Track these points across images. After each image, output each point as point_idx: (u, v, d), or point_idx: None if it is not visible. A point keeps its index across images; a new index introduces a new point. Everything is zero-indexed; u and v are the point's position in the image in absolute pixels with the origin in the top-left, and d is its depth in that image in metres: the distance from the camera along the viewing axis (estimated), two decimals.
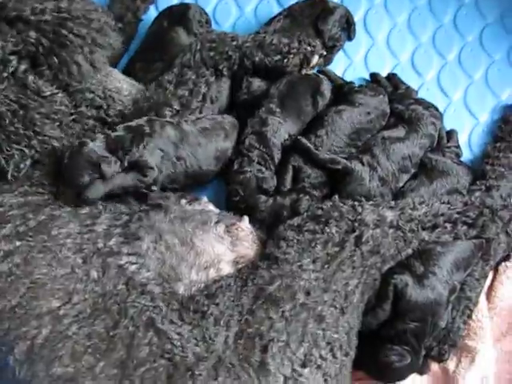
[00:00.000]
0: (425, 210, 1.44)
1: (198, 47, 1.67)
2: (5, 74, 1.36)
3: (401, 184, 1.59)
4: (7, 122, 1.36)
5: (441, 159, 1.61)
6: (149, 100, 1.64)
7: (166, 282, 1.32)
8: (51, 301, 1.27)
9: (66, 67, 1.39)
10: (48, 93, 1.40)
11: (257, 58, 1.67)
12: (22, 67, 1.37)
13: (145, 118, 1.53)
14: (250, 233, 1.44)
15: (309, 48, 1.68)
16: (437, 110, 1.70)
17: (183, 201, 1.52)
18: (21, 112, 1.37)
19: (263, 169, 1.57)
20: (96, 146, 1.43)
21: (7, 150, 1.38)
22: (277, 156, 1.59)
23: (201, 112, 1.65)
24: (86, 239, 1.36)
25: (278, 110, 1.63)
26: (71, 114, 1.49)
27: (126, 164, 1.44)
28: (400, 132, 1.63)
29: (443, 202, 1.47)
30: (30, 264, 1.30)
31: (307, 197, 1.53)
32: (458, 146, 1.70)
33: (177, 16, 1.86)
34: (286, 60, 1.67)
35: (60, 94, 1.43)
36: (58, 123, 1.44)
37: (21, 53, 1.37)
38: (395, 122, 1.66)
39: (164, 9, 1.93)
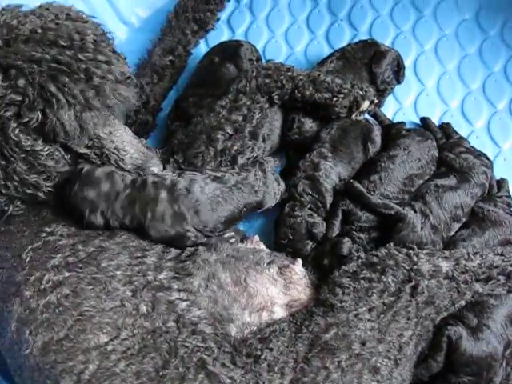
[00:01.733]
0: (479, 262, 1.41)
1: (254, 74, 1.67)
2: None
3: (452, 233, 1.57)
4: None
5: (493, 209, 1.58)
6: (200, 123, 1.64)
7: (218, 322, 1.29)
8: (99, 335, 1.24)
9: (49, 124, 1.28)
10: (28, 147, 1.31)
11: (307, 92, 1.66)
12: (7, 114, 1.27)
13: (175, 175, 1.47)
14: (303, 276, 1.42)
15: (360, 92, 1.67)
16: (487, 158, 1.68)
17: (233, 239, 1.50)
18: (2, 162, 1.33)
19: (314, 214, 1.57)
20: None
21: None
22: (329, 202, 1.59)
23: (253, 150, 1.65)
24: (136, 271, 1.33)
25: (329, 154, 1.63)
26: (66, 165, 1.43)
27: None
28: (452, 181, 1.61)
29: (497, 254, 1.44)
30: (78, 296, 1.28)
31: (347, 239, 1.51)
32: (509, 196, 1.68)
33: (228, 53, 1.88)
34: (335, 99, 1.67)
35: (45, 149, 1.34)
36: (44, 176, 1.39)
37: (6, 99, 1.26)
38: (447, 171, 1.64)
39: (216, 44, 1.95)
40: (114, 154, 1.44)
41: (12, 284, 1.32)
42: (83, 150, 1.41)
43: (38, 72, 1.26)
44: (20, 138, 1.30)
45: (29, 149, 1.32)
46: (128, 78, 1.41)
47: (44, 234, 1.38)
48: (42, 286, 1.29)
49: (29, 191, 1.39)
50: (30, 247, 1.36)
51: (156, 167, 1.51)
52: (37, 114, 1.27)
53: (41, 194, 1.41)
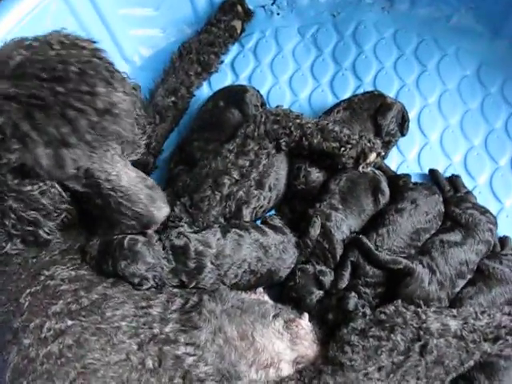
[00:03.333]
0: (487, 321, 1.40)
1: (263, 119, 1.65)
2: None
3: (457, 289, 1.55)
4: None
5: (498, 267, 1.58)
6: (207, 167, 1.62)
7: (226, 379, 1.24)
8: None
9: (27, 164, 1.19)
10: (15, 187, 1.25)
11: (315, 140, 1.65)
12: None
13: (219, 236, 1.50)
14: (310, 331, 1.39)
15: (368, 144, 1.66)
16: (493, 216, 1.68)
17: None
18: None
19: (321, 263, 1.56)
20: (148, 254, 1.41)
21: None
22: (339, 254, 1.57)
23: (258, 200, 1.64)
24: (141, 323, 1.29)
25: (340, 206, 1.62)
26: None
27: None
28: (457, 236, 1.60)
29: (504, 313, 1.43)
30: (82, 347, 1.22)
31: (353, 294, 1.49)
32: None
33: (234, 97, 1.86)
34: (343, 149, 1.65)
35: (35, 187, 1.27)
36: (44, 213, 1.32)
37: None
38: (452, 226, 1.64)
39: (221, 88, 1.94)
40: (112, 194, 1.32)
41: (8, 330, 1.26)
42: (82, 189, 1.32)
43: (15, 109, 1.16)
44: (6, 178, 1.23)
45: (16, 188, 1.25)
46: (116, 106, 1.25)
47: (43, 278, 1.32)
48: (43, 335, 1.23)
49: (29, 228, 1.33)
50: (28, 291, 1.30)
51: (160, 211, 1.38)
52: (15, 154, 1.17)
53: (41, 232, 1.34)
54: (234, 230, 1.51)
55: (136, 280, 1.37)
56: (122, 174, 1.33)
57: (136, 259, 1.38)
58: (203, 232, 1.49)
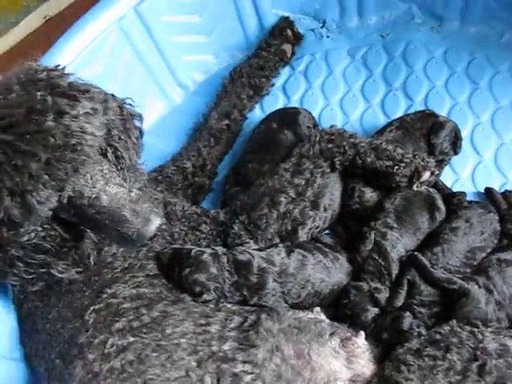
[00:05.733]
0: None
1: (318, 139, 1.69)
2: None
3: None
4: None
5: None
6: (264, 185, 1.66)
7: None
8: None
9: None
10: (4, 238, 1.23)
11: (369, 159, 1.67)
12: None
13: (283, 255, 1.54)
14: (366, 350, 1.39)
15: (422, 163, 1.66)
16: None
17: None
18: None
19: (376, 280, 1.55)
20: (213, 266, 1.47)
21: None
22: (394, 272, 1.57)
23: (314, 220, 1.66)
24: (200, 340, 1.31)
25: (395, 225, 1.62)
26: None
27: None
28: None
29: None
30: (143, 363, 1.26)
31: (408, 313, 1.48)
32: None
33: (287, 119, 1.91)
34: (396, 168, 1.66)
35: (21, 232, 1.24)
36: (51, 254, 1.33)
37: None
38: (509, 244, 1.62)
39: (274, 111, 1.99)
40: (98, 218, 1.26)
41: (75, 345, 1.32)
42: (73, 219, 1.29)
43: None
44: (1, 231, 1.22)
45: (14, 239, 1.25)
46: (74, 134, 1.20)
47: (105, 296, 1.38)
48: (106, 350, 1.28)
49: (41, 270, 1.35)
50: (92, 308, 1.36)
51: (147, 226, 1.27)
52: None
53: (55, 272, 1.36)
54: (298, 250, 1.55)
55: (197, 289, 1.42)
56: (102, 195, 1.25)
57: (200, 268, 1.44)
58: (268, 250, 1.53)
